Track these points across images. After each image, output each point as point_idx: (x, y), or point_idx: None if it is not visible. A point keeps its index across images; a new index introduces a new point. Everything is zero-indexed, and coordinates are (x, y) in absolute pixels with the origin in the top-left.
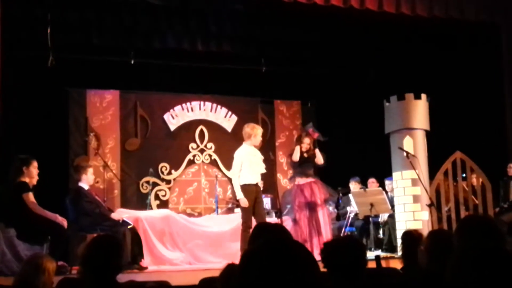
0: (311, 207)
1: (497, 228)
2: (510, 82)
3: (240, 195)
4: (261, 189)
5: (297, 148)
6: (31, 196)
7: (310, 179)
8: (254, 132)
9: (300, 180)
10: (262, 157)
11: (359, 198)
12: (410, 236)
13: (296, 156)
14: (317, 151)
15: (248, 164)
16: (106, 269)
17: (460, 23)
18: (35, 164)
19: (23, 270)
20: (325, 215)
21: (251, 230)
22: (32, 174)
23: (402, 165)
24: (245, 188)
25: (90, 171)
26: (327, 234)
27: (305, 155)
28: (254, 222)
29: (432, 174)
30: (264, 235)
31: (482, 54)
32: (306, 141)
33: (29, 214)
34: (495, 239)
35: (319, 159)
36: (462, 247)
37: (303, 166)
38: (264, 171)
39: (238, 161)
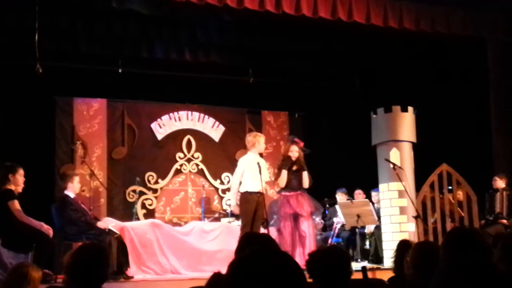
0: (296, 218)
1: (483, 240)
2: (496, 95)
3: (233, 202)
4: (264, 198)
5: (284, 174)
6: (16, 204)
7: (297, 192)
8: (257, 139)
9: (287, 192)
10: (267, 165)
11: (345, 209)
12: (406, 245)
13: (282, 182)
14: (304, 174)
15: (250, 172)
16: (92, 278)
17: (447, 37)
18: (21, 171)
19: (8, 280)
20: (310, 227)
21: None
22: (18, 181)
23: (389, 177)
24: (246, 196)
25: (76, 179)
26: (310, 245)
27: (294, 167)
28: None
29: (418, 186)
30: (251, 245)
31: (468, 67)
32: (295, 149)
33: (14, 222)
34: (480, 252)
35: (305, 182)
36: (448, 259)
37: (291, 180)
38: (268, 179)
39: (240, 168)
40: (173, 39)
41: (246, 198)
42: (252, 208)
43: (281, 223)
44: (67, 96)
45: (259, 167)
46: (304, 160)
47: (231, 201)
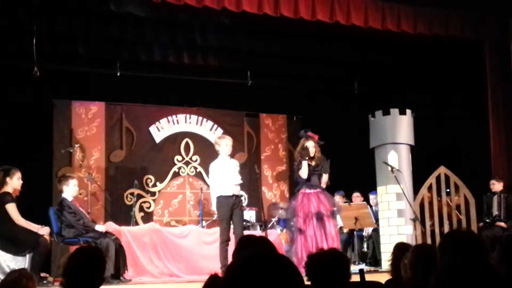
0: (319, 217)
1: (480, 242)
2: (493, 97)
3: (214, 208)
4: (241, 200)
5: (305, 164)
6: (14, 207)
7: (317, 189)
8: (217, 142)
9: (307, 189)
10: (237, 167)
11: (343, 212)
12: (402, 248)
13: (304, 173)
14: (324, 176)
15: (221, 176)
16: (88, 281)
17: (445, 39)
18: (18, 174)
19: None
20: (332, 227)
21: (229, 243)
22: (16, 184)
23: (387, 180)
24: (220, 200)
25: (72, 182)
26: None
27: (313, 162)
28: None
29: (416, 189)
30: (249, 248)
31: (466, 69)
32: (311, 144)
33: (12, 224)
34: (478, 253)
35: (323, 182)
36: (446, 262)
37: (311, 178)
38: (239, 181)
39: (211, 173)
40: (171, 42)
41: (220, 202)
42: (226, 211)
43: (302, 223)
44: (65, 99)
45: (229, 170)
46: (323, 156)
47: (212, 206)
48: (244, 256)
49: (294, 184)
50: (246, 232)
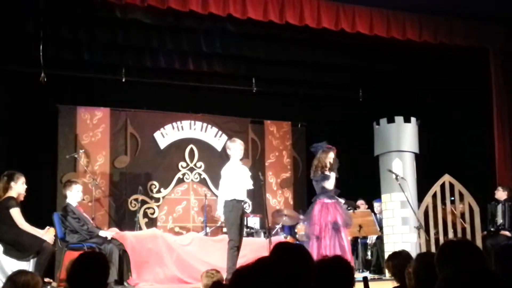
0: (336, 227)
1: (476, 250)
2: (498, 105)
3: (220, 212)
4: (249, 207)
5: (333, 176)
6: (18, 212)
7: (334, 200)
8: (228, 146)
9: (326, 199)
10: (249, 173)
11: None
12: (404, 256)
13: (331, 185)
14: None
15: (235, 180)
16: (92, 286)
17: (449, 47)
18: (22, 179)
19: None
20: (346, 236)
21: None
22: (20, 189)
23: (391, 187)
24: (233, 203)
25: (75, 188)
26: (347, 257)
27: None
28: None
29: (421, 197)
30: (283, 256)
31: (471, 77)
32: (332, 156)
33: (16, 229)
34: (476, 262)
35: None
36: (449, 270)
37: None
38: (250, 187)
39: (224, 176)
40: (177, 48)
41: (232, 206)
42: (237, 216)
43: (320, 231)
44: (70, 104)
45: (242, 174)
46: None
47: (218, 210)
48: (250, 264)
49: (301, 192)
50: (250, 239)
